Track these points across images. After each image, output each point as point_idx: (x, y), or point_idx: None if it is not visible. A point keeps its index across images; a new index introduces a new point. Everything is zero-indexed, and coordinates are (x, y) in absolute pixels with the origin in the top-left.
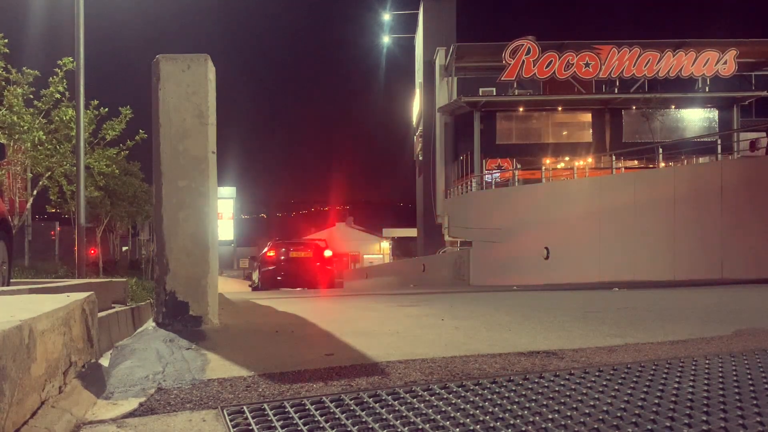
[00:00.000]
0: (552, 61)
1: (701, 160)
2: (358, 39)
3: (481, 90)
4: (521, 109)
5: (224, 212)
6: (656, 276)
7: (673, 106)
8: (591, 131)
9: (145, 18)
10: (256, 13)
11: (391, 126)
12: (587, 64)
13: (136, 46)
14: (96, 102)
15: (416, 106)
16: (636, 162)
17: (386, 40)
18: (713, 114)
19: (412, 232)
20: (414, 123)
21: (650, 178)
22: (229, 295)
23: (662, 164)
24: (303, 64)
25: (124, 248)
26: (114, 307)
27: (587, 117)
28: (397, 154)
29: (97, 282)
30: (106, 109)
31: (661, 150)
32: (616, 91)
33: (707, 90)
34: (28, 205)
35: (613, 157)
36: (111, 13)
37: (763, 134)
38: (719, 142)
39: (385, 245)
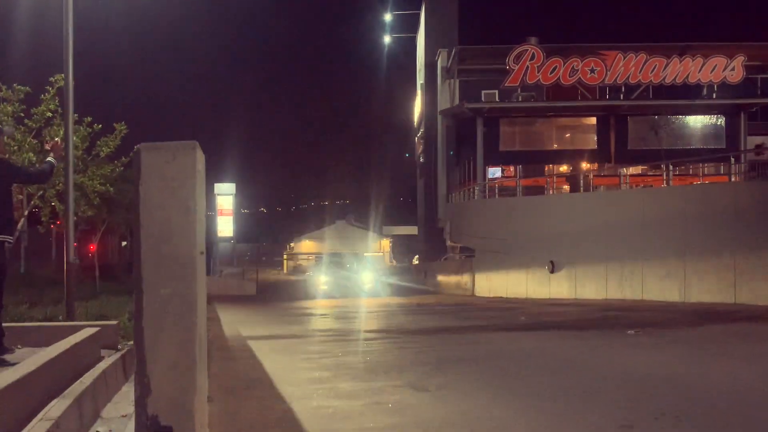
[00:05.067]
0: (556, 67)
1: (706, 169)
2: (359, 38)
3: (483, 93)
4: (525, 116)
5: (224, 208)
6: (665, 297)
7: (679, 114)
8: (596, 138)
9: (142, 24)
10: (255, 9)
11: (393, 125)
12: (592, 70)
13: (134, 54)
14: (89, 119)
15: (417, 107)
16: (640, 169)
17: (387, 40)
18: (720, 120)
19: (412, 230)
20: (415, 124)
21: (660, 194)
22: (230, 314)
23: (666, 176)
24: (304, 60)
25: (123, 243)
26: (104, 357)
27: (592, 123)
28: (399, 152)
29: (87, 338)
30: (100, 126)
31: (672, 167)
32: (621, 97)
33: (714, 96)
34: (19, 225)
35: (621, 171)
36: (106, 20)
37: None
38: (740, 156)
39: (386, 243)
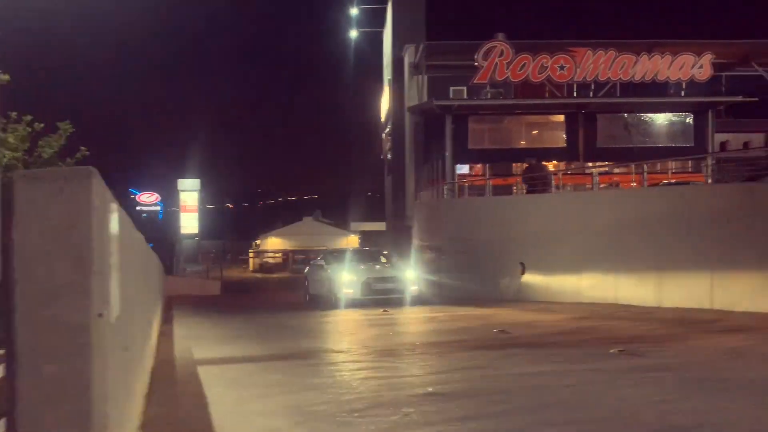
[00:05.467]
0: (525, 63)
1: (672, 164)
2: (325, 33)
3: (452, 89)
4: (494, 113)
5: (188, 204)
6: (639, 301)
7: (648, 112)
8: (565, 136)
9: (97, 18)
10: (219, 2)
11: (360, 121)
12: (562, 67)
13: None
14: (29, 117)
15: (385, 103)
16: (606, 167)
17: (354, 34)
18: (689, 118)
19: (380, 226)
20: (382, 120)
21: (635, 196)
22: (188, 328)
23: (641, 176)
24: (270, 56)
25: None
26: None
27: (561, 121)
28: (367, 149)
29: None
30: (42, 125)
31: (645, 167)
32: (590, 94)
33: (683, 94)
34: None
35: (593, 171)
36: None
37: (731, 137)
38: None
39: (354, 239)
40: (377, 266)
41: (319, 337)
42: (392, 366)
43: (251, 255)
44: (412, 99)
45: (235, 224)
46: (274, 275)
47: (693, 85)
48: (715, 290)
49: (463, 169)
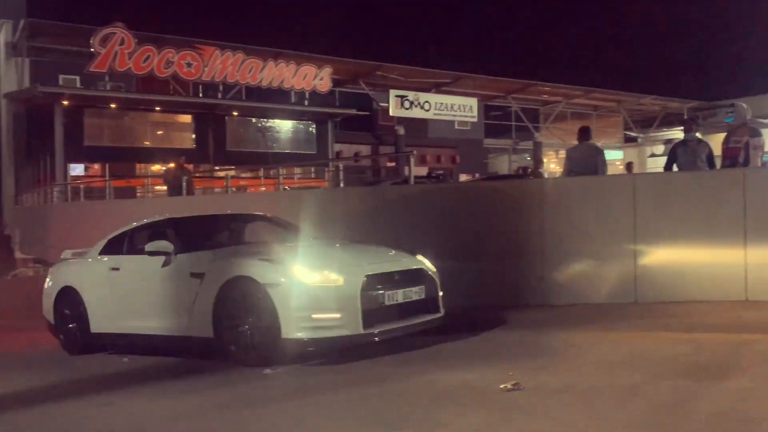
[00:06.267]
0: (150, 56)
1: (297, 170)
2: None
3: (61, 77)
4: (115, 107)
5: None
6: None
7: (276, 118)
8: (193, 137)
9: None
10: None
11: None
12: (189, 64)
13: None
14: None
15: None
16: (235, 169)
17: None
18: (312, 127)
19: None
20: None
21: (267, 198)
22: None
23: (277, 179)
24: None
25: None
26: None
27: (188, 121)
28: None
29: None
30: None
31: (281, 171)
32: (219, 96)
33: (306, 103)
34: None
35: (228, 174)
36: None
37: (344, 147)
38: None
39: None
40: (341, 247)
41: None
42: None
43: None
44: (10, 85)
45: None
46: None
47: (315, 97)
48: None
49: (77, 169)
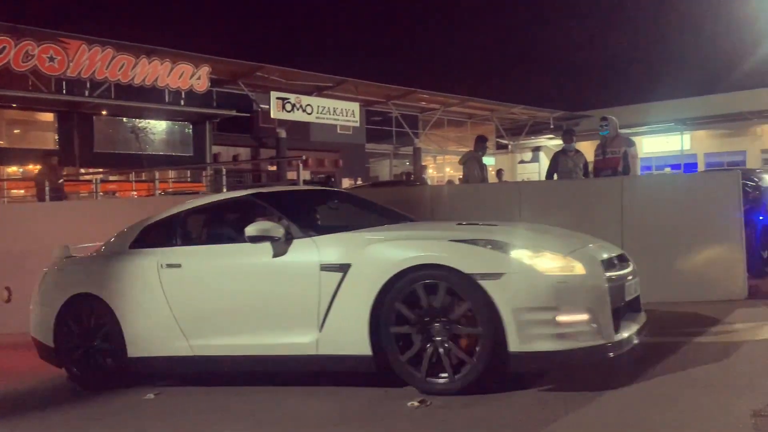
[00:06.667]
0: (6, 47)
1: (172, 173)
2: None
3: None
4: None
5: None
6: None
7: (149, 118)
8: (56, 137)
9: None
10: None
11: None
12: (52, 59)
13: None
14: None
15: None
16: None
17: None
18: (188, 128)
19: None
20: None
21: (148, 203)
22: None
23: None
24: None
25: None
26: None
27: (51, 119)
28: None
29: None
30: None
31: (156, 174)
32: (86, 93)
33: (182, 103)
34: None
35: (97, 180)
36: None
37: (222, 149)
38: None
39: None
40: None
41: None
42: None
43: None
44: None
45: None
46: None
47: (191, 97)
48: None
49: None
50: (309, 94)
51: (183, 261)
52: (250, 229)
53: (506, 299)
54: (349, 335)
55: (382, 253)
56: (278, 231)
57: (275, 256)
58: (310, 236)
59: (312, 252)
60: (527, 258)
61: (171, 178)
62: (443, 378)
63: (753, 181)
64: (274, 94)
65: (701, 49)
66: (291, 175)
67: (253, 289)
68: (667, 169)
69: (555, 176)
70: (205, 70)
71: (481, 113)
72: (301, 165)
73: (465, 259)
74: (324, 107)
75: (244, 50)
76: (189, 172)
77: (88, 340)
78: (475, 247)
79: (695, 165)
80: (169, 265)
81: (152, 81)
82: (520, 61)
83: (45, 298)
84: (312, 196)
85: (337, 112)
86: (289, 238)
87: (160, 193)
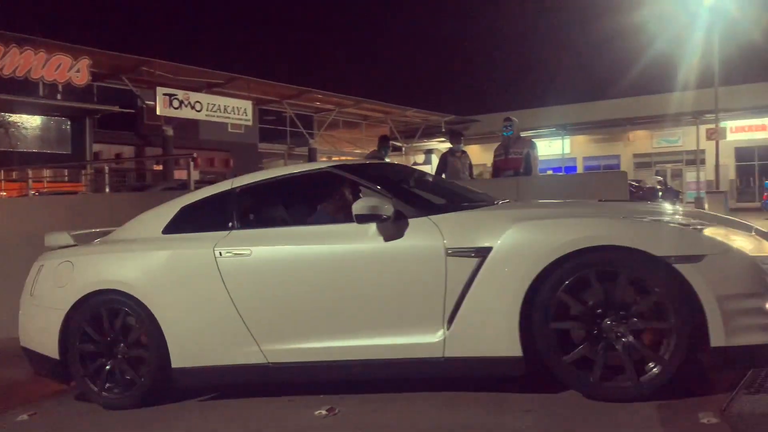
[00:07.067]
0: None
1: (47, 172)
2: None
3: None
4: None
5: None
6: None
7: (20, 112)
8: None
9: None
10: None
11: None
12: None
13: None
14: None
15: None
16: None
17: None
18: (66, 124)
19: None
20: None
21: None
22: None
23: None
24: None
25: None
26: None
27: None
28: None
29: None
30: None
31: (30, 173)
32: None
33: (59, 97)
34: None
35: None
36: None
37: (104, 147)
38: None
39: None
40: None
41: None
42: None
43: None
44: None
45: None
46: None
47: (70, 91)
48: None
49: None
50: (198, 90)
51: (252, 247)
52: (358, 206)
53: (710, 285)
54: (491, 333)
55: (537, 235)
56: (388, 209)
57: (386, 239)
58: (427, 216)
59: (434, 234)
60: (722, 236)
61: (46, 178)
62: (627, 382)
63: (636, 182)
64: (160, 90)
65: (583, 59)
66: (178, 174)
67: (354, 280)
68: (549, 172)
69: (443, 176)
70: (85, 63)
71: (376, 115)
72: (192, 163)
73: (653, 239)
74: (214, 105)
75: (128, 43)
76: (66, 171)
77: (112, 349)
78: (662, 224)
79: (575, 168)
80: (233, 253)
81: (24, 72)
82: (415, 65)
83: (45, 298)
84: (396, 170)
85: (228, 110)
86: (400, 218)
87: (33, 194)
